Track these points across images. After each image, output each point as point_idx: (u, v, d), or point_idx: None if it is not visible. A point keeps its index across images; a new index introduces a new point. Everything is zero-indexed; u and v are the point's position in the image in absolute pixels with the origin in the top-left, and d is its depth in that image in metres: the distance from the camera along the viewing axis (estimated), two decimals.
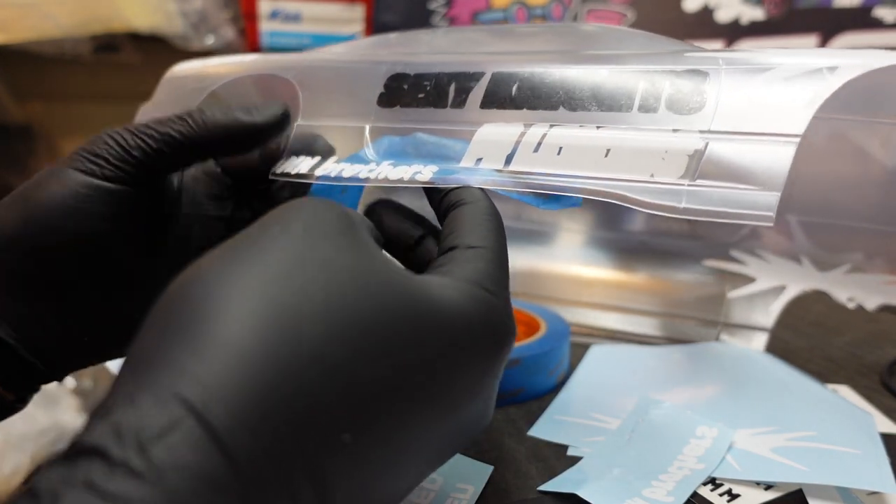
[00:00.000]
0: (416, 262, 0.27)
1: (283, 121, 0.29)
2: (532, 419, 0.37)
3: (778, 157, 0.22)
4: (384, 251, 0.22)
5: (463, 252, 0.22)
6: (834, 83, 0.23)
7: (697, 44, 0.30)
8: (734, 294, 0.47)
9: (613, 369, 0.44)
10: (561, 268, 0.56)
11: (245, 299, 0.16)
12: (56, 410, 0.67)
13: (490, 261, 0.22)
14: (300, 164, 0.29)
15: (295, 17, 0.91)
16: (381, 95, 0.31)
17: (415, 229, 0.27)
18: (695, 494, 0.29)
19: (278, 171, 0.30)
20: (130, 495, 0.13)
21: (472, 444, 0.21)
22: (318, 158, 0.30)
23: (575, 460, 0.32)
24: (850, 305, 0.44)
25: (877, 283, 0.43)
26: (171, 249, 0.30)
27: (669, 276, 0.51)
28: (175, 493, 0.13)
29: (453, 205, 0.25)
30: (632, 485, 0.29)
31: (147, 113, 0.39)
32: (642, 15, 0.84)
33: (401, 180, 0.26)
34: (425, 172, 0.26)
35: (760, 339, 0.47)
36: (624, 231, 0.53)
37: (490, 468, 0.31)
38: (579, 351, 0.46)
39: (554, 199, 0.25)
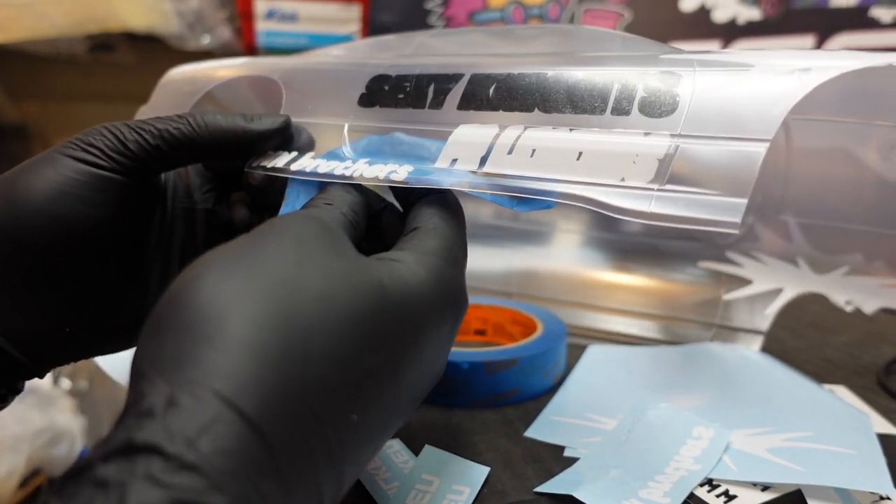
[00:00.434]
0: (376, 236, 0.28)
1: (283, 130, 0.30)
2: (529, 420, 0.37)
3: (747, 162, 0.22)
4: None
5: (426, 231, 0.25)
6: (807, 85, 0.23)
7: (695, 44, 0.30)
8: (730, 296, 0.47)
9: (610, 370, 0.44)
10: (558, 268, 0.56)
11: (253, 301, 0.18)
12: (51, 411, 0.67)
13: (446, 239, 0.25)
14: (277, 159, 0.30)
15: (291, 17, 0.90)
16: (362, 96, 0.31)
17: (376, 202, 0.29)
18: (691, 495, 0.29)
19: (255, 164, 0.30)
20: (187, 485, 0.14)
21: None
22: (294, 154, 0.30)
23: (572, 461, 0.32)
24: (848, 309, 0.44)
25: (874, 286, 0.43)
26: (155, 241, 0.29)
27: (666, 278, 0.51)
28: (223, 475, 0.15)
29: (418, 197, 0.27)
30: (628, 486, 0.29)
31: (144, 115, 0.39)
32: (639, 15, 0.85)
33: (376, 179, 0.27)
34: (400, 172, 0.27)
35: (756, 342, 0.47)
36: (621, 232, 0.53)
37: (487, 469, 0.31)
38: (576, 352, 0.46)
39: (527, 201, 0.25)
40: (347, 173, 0.27)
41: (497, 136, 0.27)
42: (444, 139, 0.28)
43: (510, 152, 0.26)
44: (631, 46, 0.30)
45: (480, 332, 0.51)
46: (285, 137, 0.30)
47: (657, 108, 0.25)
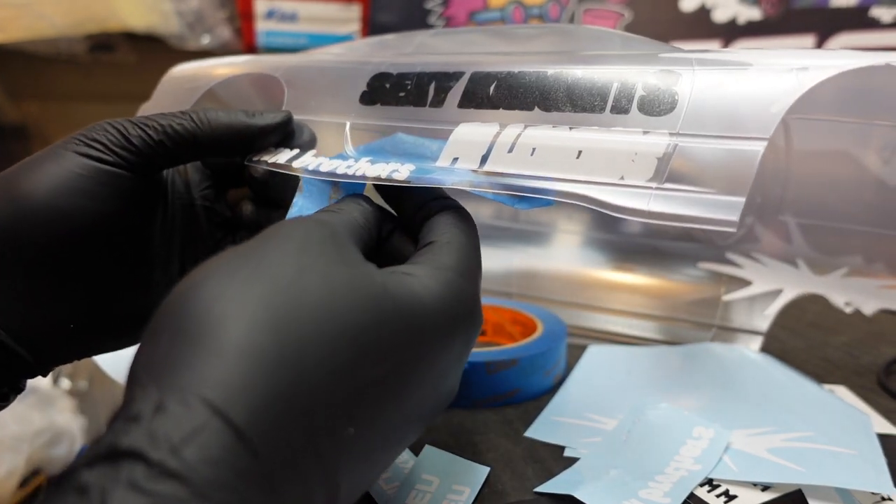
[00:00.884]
0: (388, 252, 0.28)
1: (284, 126, 0.30)
2: (529, 420, 0.37)
3: (745, 160, 0.22)
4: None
5: (440, 246, 0.24)
6: (805, 84, 0.23)
7: (694, 44, 0.30)
8: (730, 297, 0.47)
9: (610, 370, 0.44)
10: (558, 269, 0.56)
11: (251, 307, 0.18)
12: (51, 411, 0.67)
13: (462, 253, 0.24)
14: (278, 155, 0.30)
15: (291, 17, 0.90)
16: (364, 94, 0.31)
17: (386, 223, 0.28)
18: (691, 495, 0.29)
19: (255, 159, 0.30)
20: (169, 493, 0.14)
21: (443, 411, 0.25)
22: (296, 151, 0.30)
23: (572, 461, 0.32)
24: (848, 310, 0.44)
25: (874, 288, 0.43)
26: (157, 238, 0.30)
27: (666, 279, 0.51)
28: (207, 485, 0.15)
29: (433, 213, 0.27)
30: (628, 486, 0.29)
31: (146, 111, 0.39)
32: (639, 15, 0.85)
33: (378, 178, 0.27)
34: (402, 171, 0.27)
35: (755, 343, 0.47)
36: (621, 232, 0.53)
37: (486, 469, 0.31)
38: (576, 352, 0.46)
39: (526, 199, 0.26)
40: (350, 171, 0.27)
41: (497, 134, 0.27)
42: (444, 137, 0.28)
43: (510, 151, 0.26)
44: (630, 45, 0.30)
45: (480, 332, 0.50)
46: (286, 133, 0.30)
47: (656, 107, 0.25)
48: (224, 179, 0.33)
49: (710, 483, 0.30)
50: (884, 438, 0.34)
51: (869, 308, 0.43)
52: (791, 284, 0.45)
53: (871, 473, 0.30)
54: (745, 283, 0.47)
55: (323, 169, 0.28)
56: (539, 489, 0.30)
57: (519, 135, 0.26)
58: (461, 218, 0.26)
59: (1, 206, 0.24)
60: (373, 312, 0.19)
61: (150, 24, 0.85)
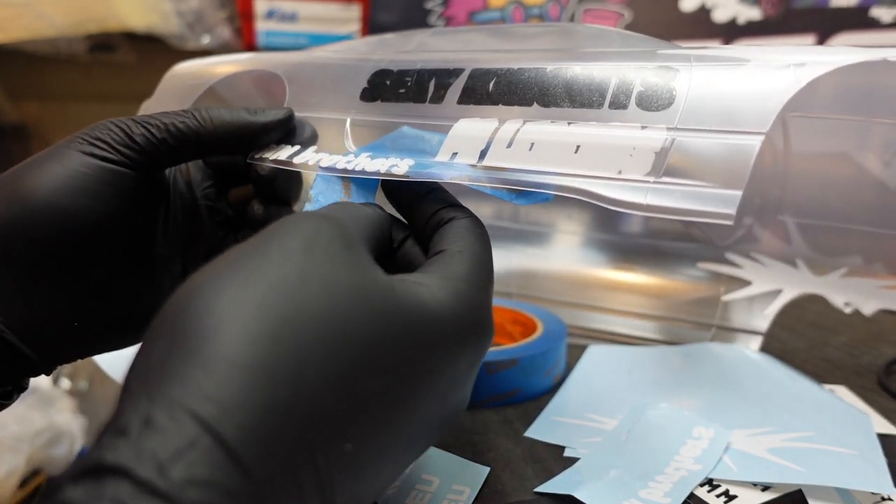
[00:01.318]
0: (399, 261, 0.27)
1: (286, 122, 0.30)
2: (529, 420, 0.37)
3: (742, 154, 0.22)
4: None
5: (451, 255, 0.24)
6: (802, 79, 0.23)
7: (695, 43, 0.30)
8: (729, 297, 0.47)
9: (610, 370, 0.44)
10: (558, 269, 0.56)
11: (248, 315, 0.17)
12: (51, 412, 0.67)
13: (474, 263, 0.24)
14: (280, 151, 0.30)
15: (291, 17, 0.90)
16: (364, 90, 0.32)
17: (397, 231, 0.27)
18: (691, 495, 0.29)
19: (257, 156, 0.30)
20: None
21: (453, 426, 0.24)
22: (297, 147, 0.30)
23: (572, 461, 0.32)
24: (847, 310, 0.44)
25: (873, 288, 0.43)
26: (160, 236, 0.30)
27: (665, 278, 0.51)
28: None
29: (445, 221, 0.26)
30: (628, 486, 0.29)
31: (148, 110, 0.40)
32: (639, 15, 0.84)
33: (377, 172, 0.27)
34: (401, 166, 0.27)
35: (755, 343, 0.47)
36: (621, 232, 0.53)
37: (486, 469, 0.31)
38: (576, 352, 0.46)
39: (525, 194, 0.26)
40: (350, 167, 0.27)
41: (496, 129, 0.27)
42: (444, 133, 0.28)
43: (509, 146, 0.26)
44: (629, 43, 0.31)
45: None
46: (288, 130, 0.30)
47: (654, 102, 0.25)
48: (226, 178, 0.33)
49: (710, 483, 0.30)
50: (884, 438, 0.34)
51: (868, 308, 0.43)
52: (790, 284, 0.45)
53: (871, 473, 0.30)
54: (744, 283, 0.47)
55: (323, 164, 0.28)
56: (539, 489, 0.30)
57: (518, 130, 0.27)
58: (475, 227, 0.26)
59: (5, 205, 0.24)
60: (378, 322, 0.19)
61: (150, 24, 0.85)
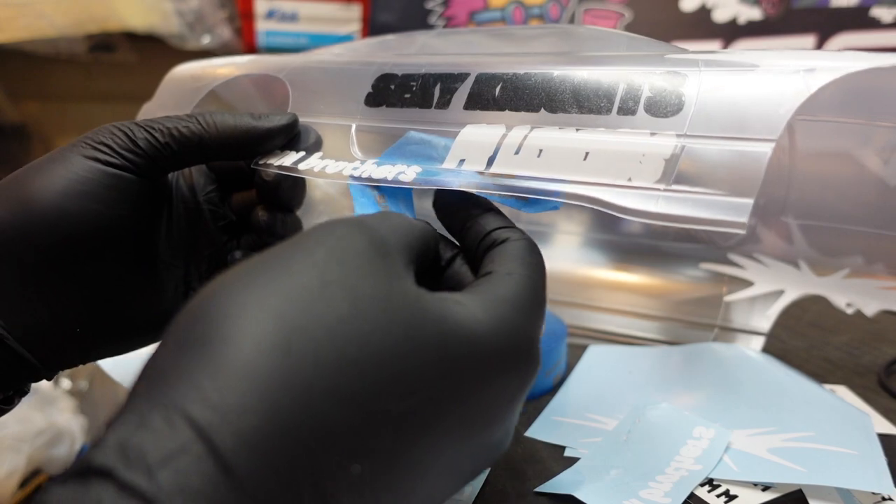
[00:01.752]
0: (447, 281, 0.25)
1: (290, 128, 0.30)
2: (529, 420, 0.37)
3: (753, 162, 0.22)
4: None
5: (500, 276, 0.22)
6: (812, 85, 0.23)
7: (695, 44, 0.30)
8: (731, 297, 0.47)
9: (611, 370, 0.44)
10: (559, 268, 0.56)
11: (262, 321, 0.16)
12: (52, 411, 0.67)
13: (524, 287, 0.22)
14: (284, 157, 0.30)
15: (291, 17, 0.90)
16: (369, 95, 0.31)
17: (445, 249, 0.26)
18: (692, 495, 0.29)
19: (262, 161, 0.30)
20: None
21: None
22: (302, 153, 0.30)
23: (572, 461, 0.32)
24: (849, 311, 0.44)
25: (875, 289, 0.43)
26: (163, 241, 0.30)
27: (667, 279, 0.51)
28: None
29: (498, 242, 0.24)
30: (629, 486, 0.29)
31: (149, 112, 0.40)
32: (639, 15, 0.84)
33: (384, 179, 0.27)
34: (408, 173, 0.27)
35: (757, 343, 0.47)
36: (622, 233, 0.53)
37: (487, 469, 0.31)
38: (577, 352, 0.46)
39: (533, 202, 0.25)
40: (356, 174, 0.27)
41: (504, 136, 0.27)
42: (451, 138, 0.28)
43: (517, 153, 0.26)
44: (635, 46, 0.30)
45: None
46: (292, 135, 0.30)
47: (663, 108, 0.25)
48: (229, 182, 0.33)
49: (711, 483, 0.30)
50: (884, 438, 0.34)
51: (870, 309, 0.43)
52: (793, 285, 0.45)
53: (871, 473, 0.30)
54: (746, 283, 0.47)
55: (329, 171, 0.28)
56: (539, 489, 0.30)
57: (525, 136, 0.26)
58: (530, 250, 0.24)
59: (9, 210, 0.25)
60: (404, 338, 0.17)
61: (151, 24, 0.85)
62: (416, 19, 0.91)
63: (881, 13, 0.72)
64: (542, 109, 0.27)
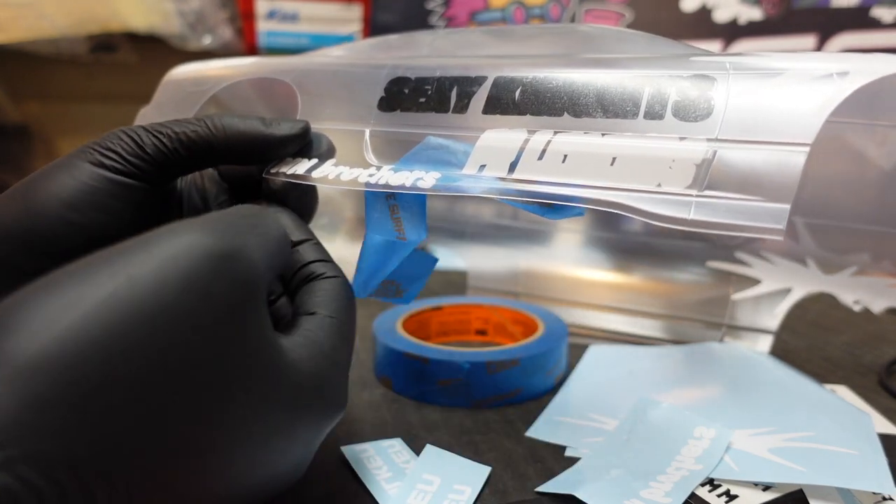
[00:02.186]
0: (273, 312, 0.27)
1: (303, 136, 0.29)
2: (530, 420, 0.37)
3: (788, 167, 0.22)
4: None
5: (322, 321, 0.24)
6: (845, 89, 0.23)
7: (695, 44, 0.30)
8: (739, 296, 0.47)
9: (612, 370, 0.44)
10: (564, 267, 0.56)
11: (55, 320, 0.16)
12: None
13: (343, 334, 0.24)
14: (297, 165, 0.29)
15: (292, 17, 0.90)
16: (382, 100, 0.31)
17: (275, 284, 0.28)
18: (693, 495, 0.29)
19: (273, 170, 0.29)
20: None
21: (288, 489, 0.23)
22: (315, 161, 0.29)
23: (573, 461, 0.32)
24: (857, 308, 0.44)
25: (883, 286, 0.43)
26: None
27: (673, 278, 0.51)
28: None
29: (317, 275, 0.26)
30: (630, 486, 0.29)
31: (147, 115, 0.39)
32: (640, 15, 0.84)
33: (402, 186, 0.26)
34: (427, 179, 0.26)
35: (765, 342, 0.47)
36: (625, 231, 0.53)
37: (488, 469, 0.31)
38: (578, 351, 0.46)
39: (558, 208, 0.25)
40: (372, 181, 0.27)
41: (526, 141, 0.26)
42: (470, 144, 0.27)
43: (541, 158, 0.25)
44: (655, 47, 0.30)
45: (481, 332, 0.51)
46: (305, 143, 0.30)
47: (692, 112, 0.24)
48: (241, 190, 0.32)
49: (712, 483, 0.30)
50: (885, 438, 0.34)
51: (877, 306, 0.43)
52: (800, 283, 0.45)
53: (872, 473, 0.30)
54: (754, 281, 0.47)
55: (344, 178, 0.27)
56: (540, 489, 0.30)
57: (549, 141, 0.26)
58: (345, 290, 0.26)
59: (17, 219, 0.24)
60: (226, 364, 0.18)
61: (152, 25, 0.85)
62: (416, 19, 0.91)
63: (882, 13, 0.72)
64: (566, 114, 0.27)
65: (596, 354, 0.46)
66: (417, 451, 0.33)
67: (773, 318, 0.46)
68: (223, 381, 0.18)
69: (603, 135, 0.25)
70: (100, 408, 0.16)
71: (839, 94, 0.23)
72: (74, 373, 0.15)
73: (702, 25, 0.80)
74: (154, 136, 0.26)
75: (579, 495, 0.28)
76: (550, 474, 0.31)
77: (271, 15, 0.90)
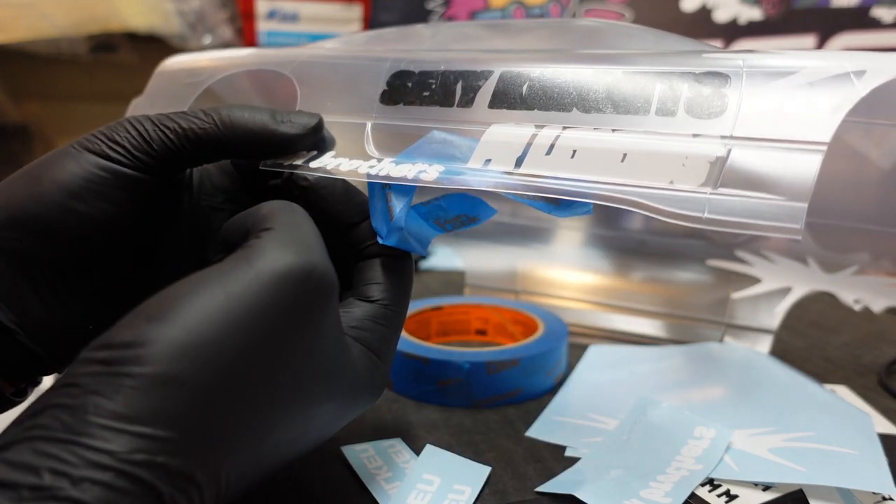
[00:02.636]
0: (352, 241, 0.29)
1: (316, 132, 0.28)
2: (530, 420, 0.37)
3: (804, 166, 0.21)
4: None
5: (378, 310, 0.27)
6: (861, 89, 0.22)
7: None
8: (739, 295, 0.47)
9: (612, 370, 0.44)
10: (561, 267, 0.56)
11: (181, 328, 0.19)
12: None
13: (395, 326, 0.27)
14: (294, 157, 0.28)
15: (292, 17, 0.90)
16: (384, 93, 0.30)
17: (356, 215, 0.29)
18: (693, 495, 0.29)
19: (269, 161, 0.28)
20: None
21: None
22: (313, 152, 0.28)
23: (573, 461, 0.32)
24: (857, 307, 0.44)
25: (883, 285, 0.43)
26: (181, 239, 0.29)
27: (673, 277, 0.51)
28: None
29: (375, 253, 0.28)
30: (630, 486, 0.29)
31: (140, 107, 0.38)
32: (640, 15, 0.84)
33: (404, 178, 0.25)
34: (430, 172, 0.25)
35: (765, 341, 0.47)
36: (625, 230, 0.53)
37: (488, 469, 0.31)
38: (578, 351, 0.46)
39: (565, 205, 0.24)
40: (372, 172, 0.26)
41: (534, 135, 0.26)
42: (475, 138, 0.27)
43: (549, 153, 0.25)
44: (664, 43, 0.29)
45: (481, 332, 0.51)
46: (317, 140, 0.29)
47: (705, 110, 0.24)
48: (253, 179, 0.32)
49: (712, 483, 0.30)
50: (885, 438, 0.34)
51: (878, 306, 0.43)
52: (801, 282, 0.45)
53: (872, 473, 0.30)
54: (754, 280, 0.47)
55: (343, 169, 0.27)
56: (540, 489, 0.30)
57: (558, 136, 0.25)
58: (406, 272, 0.28)
59: (23, 207, 0.24)
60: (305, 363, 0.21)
61: (152, 25, 0.85)
62: (416, 19, 0.91)
63: (881, 13, 0.72)
64: (575, 109, 0.26)
65: (596, 354, 0.46)
66: (417, 451, 0.33)
67: (773, 317, 0.46)
68: (306, 374, 0.22)
69: (613, 131, 0.25)
70: (228, 386, 0.19)
71: (856, 94, 0.22)
72: (215, 358, 0.19)
73: (702, 25, 0.80)
74: (161, 130, 0.26)
75: (579, 495, 0.28)
76: (550, 474, 0.31)
77: (271, 15, 0.90)
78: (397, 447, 0.33)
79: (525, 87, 0.27)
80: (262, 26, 0.90)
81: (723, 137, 0.23)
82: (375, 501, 0.29)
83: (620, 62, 0.27)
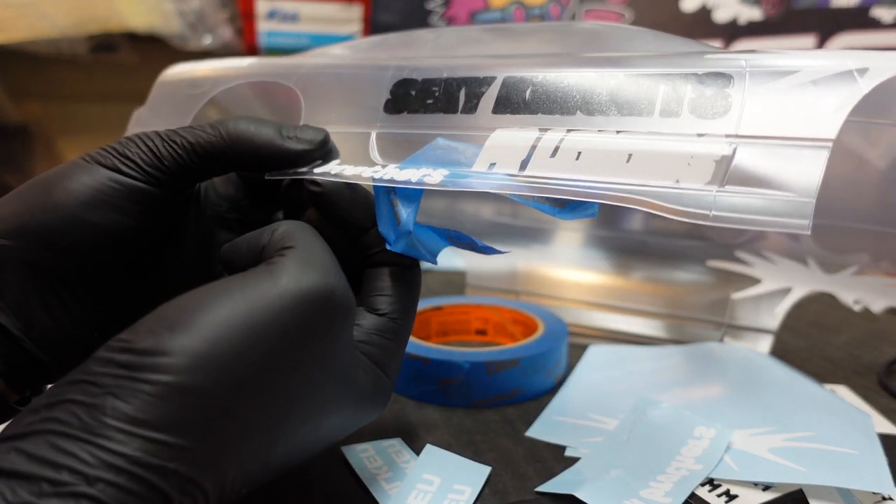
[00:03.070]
0: (361, 247, 0.28)
1: (322, 147, 0.28)
2: (530, 420, 0.37)
3: (810, 163, 0.21)
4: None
5: (386, 324, 0.27)
6: (864, 86, 0.23)
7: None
8: (739, 295, 0.47)
9: (612, 370, 0.44)
10: (561, 267, 0.56)
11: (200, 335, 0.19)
12: None
13: (401, 340, 0.27)
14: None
15: (293, 17, 0.90)
16: (388, 102, 0.30)
17: (365, 220, 0.29)
18: (693, 495, 0.29)
19: (275, 171, 0.28)
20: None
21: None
22: (318, 161, 0.28)
23: (573, 461, 0.32)
24: (857, 308, 0.44)
25: (883, 286, 0.43)
26: (186, 248, 0.29)
27: (673, 277, 0.51)
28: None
29: (383, 261, 0.28)
30: (629, 486, 0.29)
31: (142, 118, 0.38)
32: (640, 15, 0.85)
33: (408, 182, 0.25)
34: (434, 175, 0.25)
35: (765, 342, 0.47)
36: (625, 230, 0.53)
37: (488, 469, 0.31)
38: (578, 351, 0.46)
39: (570, 207, 0.24)
40: (377, 177, 0.26)
41: (538, 139, 0.26)
42: (480, 145, 0.27)
43: (553, 155, 0.25)
44: (666, 45, 0.29)
45: (481, 332, 0.51)
46: (324, 154, 0.29)
47: (709, 109, 0.24)
48: (260, 191, 0.32)
49: (711, 483, 0.30)
50: (885, 438, 0.34)
51: (878, 306, 0.43)
52: (801, 283, 0.45)
53: (872, 473, 0.30)
54: (754, 281, 0.47)
55: (348, 174, 0.27)
56: (540, 489, 0.30)
57: (562, 139, 0.25)
58: (414, 283, 0.28)
59: (33, 215, 0.25)
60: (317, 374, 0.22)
61: (152, 25, 0.85)
62: (416, 20, 0.91)
63: (881, 13, 0.72)
64: (579, 112, 0.26)
65: (596, 354, 0.46)
66: (417, 451, 0.33)
67: (773, 317, 0.46)
68: (319, 389, 0.22)
69: (618, 132, 0.25)
70: (242, 393, 0.19)
71: (860, 91, 0.23)
72: (231, 366, 0.19)
73: (702, 25, 0.80)
74: (170, 146, 0.26)
75: (579, 495, 0.28)
76: (550, 474, 0.31)
77: (271, 15, 0.90)
78: (397, 447, 0.33)
79: (528, 92, 0.28)
80: (262, 26, 0.90)
81: (727, 136, 0.23)
82: (375, 501, 0.29)
83: (623, 65, 0.27)
